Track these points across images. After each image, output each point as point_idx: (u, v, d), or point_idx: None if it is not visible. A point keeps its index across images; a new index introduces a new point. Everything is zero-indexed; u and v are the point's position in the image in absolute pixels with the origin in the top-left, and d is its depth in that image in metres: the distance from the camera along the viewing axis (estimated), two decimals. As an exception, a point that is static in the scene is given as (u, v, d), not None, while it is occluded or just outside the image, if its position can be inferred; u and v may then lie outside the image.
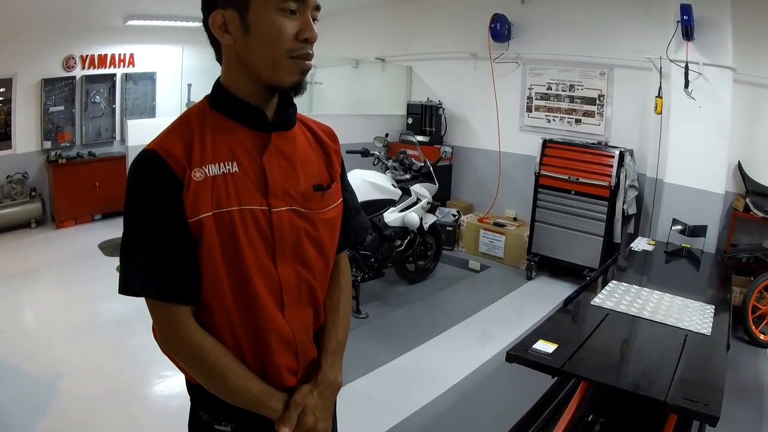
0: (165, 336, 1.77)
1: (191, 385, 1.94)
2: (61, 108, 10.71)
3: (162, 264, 1.68)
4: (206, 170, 1.70)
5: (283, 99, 1.91)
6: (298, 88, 1.80)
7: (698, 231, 6.81)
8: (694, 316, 4.23)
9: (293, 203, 1.84)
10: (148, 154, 1.69)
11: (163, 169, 1.66)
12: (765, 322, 6.65)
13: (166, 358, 1.88)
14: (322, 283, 2.02)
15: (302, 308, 1.92)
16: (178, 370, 1.90)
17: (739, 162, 7.35)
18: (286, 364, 1.87)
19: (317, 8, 1.78)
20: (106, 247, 9.18)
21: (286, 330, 1.85)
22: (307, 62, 1.77)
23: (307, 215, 1.87)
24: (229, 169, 1.74)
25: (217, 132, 1.78)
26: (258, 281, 1.77)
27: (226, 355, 1.77)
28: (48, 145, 10.58)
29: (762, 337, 6.58)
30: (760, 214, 6.95)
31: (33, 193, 10.26)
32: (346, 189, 2.13)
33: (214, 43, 1.84)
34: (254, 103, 1.80)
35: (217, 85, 1.85)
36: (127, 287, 1.71)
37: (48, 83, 10.45)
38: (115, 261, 8.23)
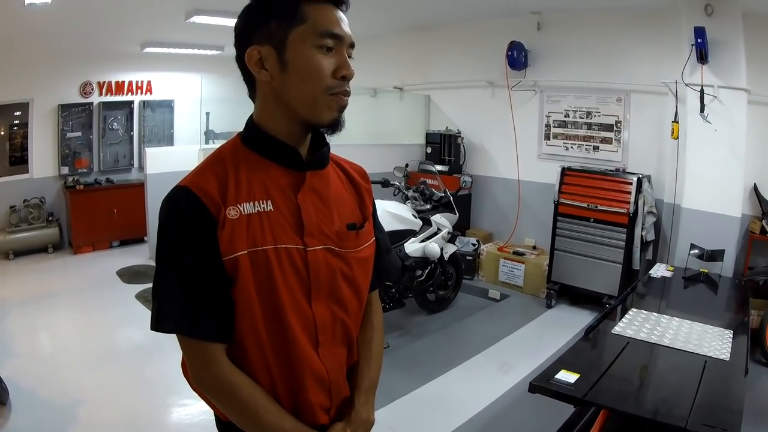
0: (198, 374, 1.77)
1: (221, 423, 1.96)
2: (79, 134, 10.93)
3: (196, 301, 1.68)
4: (241, 208, 1.71)
5: (315, 137, 1.93)
6: (336, 125, 1.83)
7: (716, 255, 6.76)
8: (713, 341, 4.24)
9: (328, 242, 1.85)
10: (181, 191, 1.70)
11: (197, 206, 1.67)
12: (782, 344, 6.62)
13: (185, 386, 1.92)
14: (356, 322, 2.03)
15: (336, 347, 1.93)
16: (198, 399, 1.92)
17: (755, 184, 7.36)
18: (320, 402, 1.89)
19: (352, 45, 1.82)
20: (125, 274, 9.25)
21: (320, 368, 1.86)
22: (344, 99, 1.80)
23: (341, 254, 1.88)
24: (263, 207, 1.75)
25: (251, 170, 1.79)
26: (293, 320, 1.78)
27: (258, 392, 1.77)
28: (65, 170, 10.80)
29: (779, 358, 6.55)
30: (776, 236, 6.94)
31: (50, 218, 10.43)
32: (378, 228, 2.15)
33: (248, 80, 1.86)
34: (289, 141, 1.82)
35: (251, 123, 1.86)
36: (160, 324, 1.71)
37: (65, 109, 10.68)
38: (134, 288, 8.30)
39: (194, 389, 1.87)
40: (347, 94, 1.81)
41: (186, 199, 1.68)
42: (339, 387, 1.95)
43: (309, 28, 1.72)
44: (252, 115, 1.88)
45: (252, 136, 1.84)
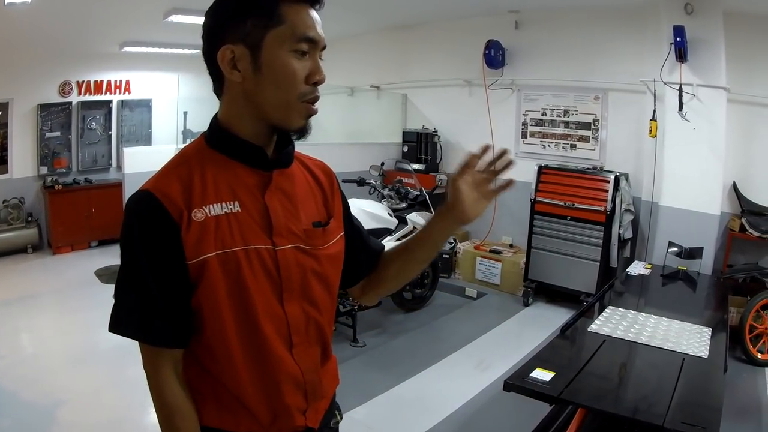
0: (147, 373, 1.77)
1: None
2: (58, 134, 10.83)
3: (149, 308, 1.66)
4: (207, 210, 1.67)
5: (282, 136, 1.87)
6: (303, 131, 1.79)
7: (694, 253, 6.80)
8: (692, 339, 4.22)
9: (297, 241, 1.81)
10: (143, 195, 1.65)
11: (158, 211, 1.63)
12: (762, 341, 6.65)
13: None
14: (329, 320, 1.99)
15: (311, 347, 1.89)
16: None
17: (734, 182, 7.39)
18: (296, 404, 1.85)
19: (323, 48, 1.77)
20: (103, 275, 9.18)
21: (295, 370, 1.82)
22: (314, 107, 1.77)
23: (311, 252, 1.84)
24: (231, 208, 1.71)
25: (217, 171, 1.74)
26: (265, 322, 1.74)
27: (180, 418, 1.77)
28: (44, 170, 10.69)
29: (759, 356, 6.58)
30: (756, 234, 6.97)
31: (29, 219, 10.35)
32: (352, 220, 2.15)
33: (215, 75, 1.80)
34: (255, 141, 1.77)
35: (215, 123, 1.81)
36: (114, 327, 1.71)
37: (44, 108, 10.57)
38: (112, 288, 8.37)
39: None
40: (317, 100, 1.77)
41: (146, 204, 1.64)
42: (314, 388, 1.91)
43: (287, 31, 1.66)
44: (216, 114, 1.83)
45: (216, 136, 1.79)
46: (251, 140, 1.76)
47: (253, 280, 1.70)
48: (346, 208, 2.11)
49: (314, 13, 1.74)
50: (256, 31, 1.67)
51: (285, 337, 1.79)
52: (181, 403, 1.75)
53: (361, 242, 2.16)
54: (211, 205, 1.68)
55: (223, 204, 1.70)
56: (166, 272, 1.64)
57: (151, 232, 1.63)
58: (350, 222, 2.11)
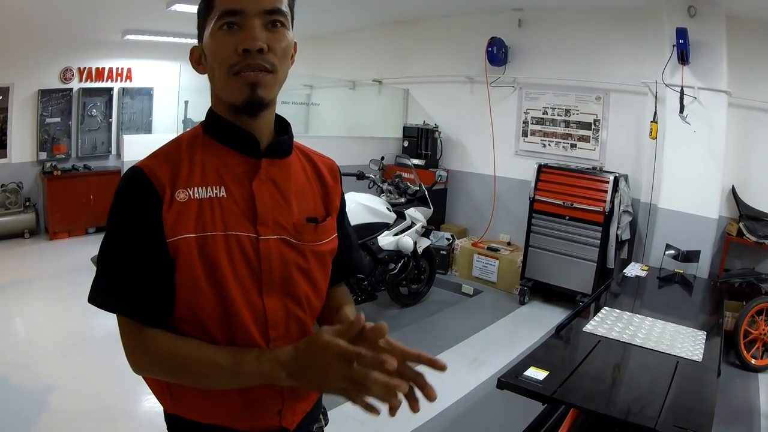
0: (133, 354, 1.69)
1: (167, 414, 1.89)
2: (58, 119, 10.78)
3: (129, 280, 1.63)
4: (191, 192, 1.66)
5: (279, 126, 1.87)
6: (250, 105, 1.69)
7: (691, 256, 6.79)
8: (686, 342, 4.21)
9: (283, 233, 1.77)
10: (132, 170, 1.67)
11: (145, 185, 1.64)
12: (756, 346, 6.65)
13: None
14: (314, 318, 1.94)
15: (290, 343, 1.75)
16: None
17: (733, 186, 7.38)
18: (270, 402, 1.79)
19: (271, 12, 1.67)
20: (100, 262, 9.11)
21: None
22: (251, 74, 1.66)
23: (297, 246, 1.79)
24: (216, 193, 1.69)
25: (207, 156, 1.73)
26: (244, 311, 1.69)
27: (192, 341, 1.67)
28: (44, 156, 10.67)
29: (753, 361, 6.58)
30: (754, 239, 6.96)
31: (27, 204, 10.32)
32: (345, 225, 2.09)
33: None
34: (243, 127, 1.76)
35: (210, 111, 1.81)
36: (93, 298, 1.68)
37: (45, 94, 10.53)
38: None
39: (135, 371, 1.73)
40: (253, 67, 1.66)
41: (134, 179, 1.66)
42: (292, 387, 1.78)
43: (214, 14, 1.67)
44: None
45: (210, 122, 1.80)
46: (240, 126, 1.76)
47: (230, 267, 1.68)
48: (343, 214, 2.08)
49: None
50: (201, 26, 1.76)
51: (262, 329, 1.75)
52: (175, 341, 1.66)
53: (343, 250, 2.03)
54: (196, 188, 1.68)
55: (209, 188, 1.70)
56: (147, 247, 1.63)
57: (135, 205, 1.64)
58: (341, 227, 2.04)
